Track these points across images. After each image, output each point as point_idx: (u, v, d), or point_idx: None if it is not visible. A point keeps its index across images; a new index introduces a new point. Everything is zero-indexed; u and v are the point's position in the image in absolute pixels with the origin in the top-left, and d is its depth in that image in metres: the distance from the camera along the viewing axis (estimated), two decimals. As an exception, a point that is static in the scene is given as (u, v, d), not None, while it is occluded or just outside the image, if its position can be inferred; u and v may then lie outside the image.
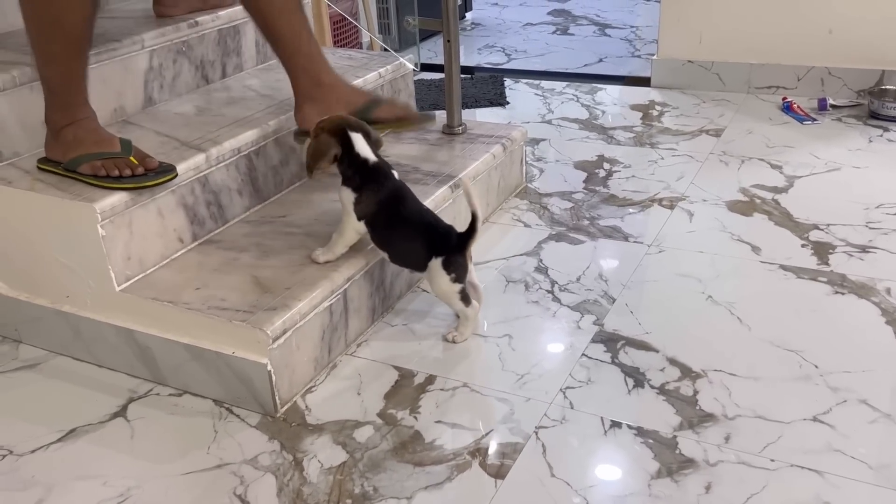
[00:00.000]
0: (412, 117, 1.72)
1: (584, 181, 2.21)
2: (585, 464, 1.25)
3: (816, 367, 1.43)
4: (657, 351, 1.50)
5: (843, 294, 1.64)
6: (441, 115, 2.16)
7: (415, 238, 1.50)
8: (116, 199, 1.43)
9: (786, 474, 1.20)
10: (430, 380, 1.46)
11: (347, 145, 1.46)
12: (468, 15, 4.19)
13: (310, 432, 1.35)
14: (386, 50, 2.94)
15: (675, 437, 1.29)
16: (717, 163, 2.28)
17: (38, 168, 1.53)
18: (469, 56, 3.49)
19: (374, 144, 1.50)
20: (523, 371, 1.46)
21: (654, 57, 2.93)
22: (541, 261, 1.82)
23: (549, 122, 2.66)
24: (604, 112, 2.72)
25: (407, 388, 1.44)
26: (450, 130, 2.12)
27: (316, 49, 1.69)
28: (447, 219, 1.56)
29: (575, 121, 2.66)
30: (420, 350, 1.54)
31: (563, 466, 1.24)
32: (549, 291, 1.70)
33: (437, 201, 1.74)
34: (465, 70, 3.19)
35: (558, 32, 3.83)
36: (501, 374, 1.46)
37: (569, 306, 1.65)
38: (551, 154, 2.40)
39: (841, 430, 1.28)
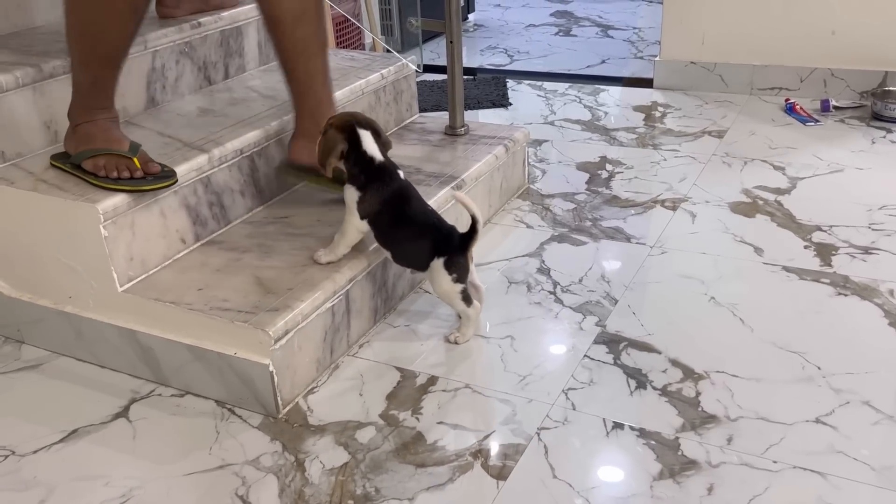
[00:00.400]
0: None
1: (586, 182, 2.21)
2: (587, 465, 1.25)
3: (819, 368, 1.42)
4: (659, 352, 1.49)
5: (845, 295, 1.63)
6: (443, 117, 2.16)
7: (418, 238, 1.50)
8: (119, 199, 1.43)
9: (788, 476, 1.20)
10: (432, 381, 1.46)
11: (355, 142, 1.46)
12: (471, 16, 4.19)
13: (312, 433, 1.35)
14: (388, 51, 2.94)
15: (677, 438, 1.29)
16: (720, 164, 2.27)
17: (51, 164, 1.55)
18: (471, 57, 3.49)
19: (384, 145, 1.50)
20: (525, 372, 1.46)
21: (657, 58, 2.93)
22: (543, 262, 1.82)
23: (551, 123, 2.66)
24: (606, 113, 2.72)
25: (409, 389, 1.44)
26: (452, 131, 2.12)
27: (327, 95, 1.68)
28: (450, 220, 1.56)
29: (577, 122, 2.65)
30: (422, 351, 1.54)
31: (565, 468, 1.24)
32: (551, 292, 1.70)
33: (440, 202, 1.74)
34: (468, 71, 3.19)
35: (561, 34, 3.83)
36: (503, 375, 1.46)
37: (571, 307, 1.65)
38: (553, 155, 2.40)
39: (843, 432, 1.28)
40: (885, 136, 2.39)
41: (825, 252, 1.79)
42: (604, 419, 1.34)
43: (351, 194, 1.47)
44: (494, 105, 2.85)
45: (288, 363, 1.39)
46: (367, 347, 1.56)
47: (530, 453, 1.27)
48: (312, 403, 1.42)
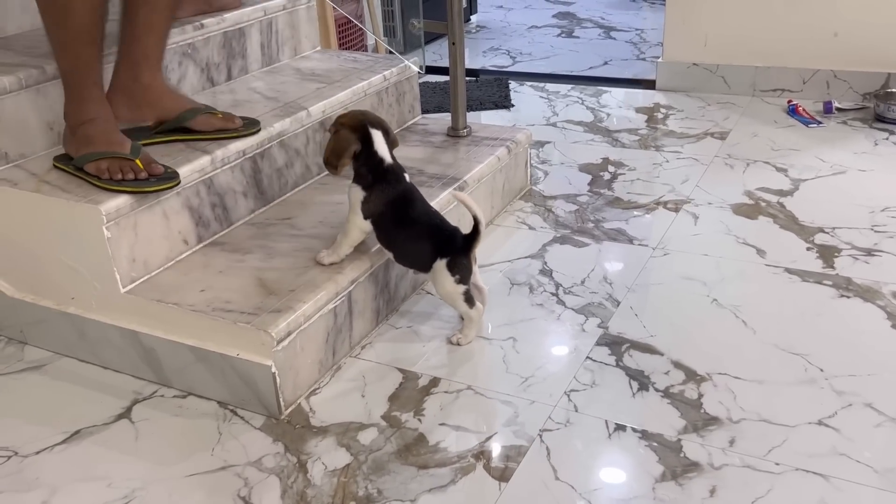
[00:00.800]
0: (233, 128, 1.67)
1: (588, 184, 2.21)
2: (590, 467, 1.25)
3: (822, 370, 1.42)
4: (662, 354, 1.49)
5: (848, 297, 1.63)
6: (445, 118, 2.16)
7: (421, 239, 1.50)
8: (121, 201, 1.44)
9: (791, 478, 1.20)
10: (435, 382, 1.46)
11: (367, 142, 1.45)
12: (473, 18, 4.19)
13: (314, 434, 1.35)
14: (391, 52, 2.94)
15: (679, 440, 1.29)
16: (722, 166, 2.27)
17: (54, 166, 1.55)
18: (474, 59, 3.49)
19: (392, 143, 1.50)
20: (527, 374, 1.46)
21: (659, 60, 2.93)
22: (545, 263, 1.82)
23: (553, 124, 2.66)
24: (608, 115, 2.72)
25: (411, 391, 1.44)
26: (455, 133, 2.12)
27: (157, 52, 1.64)
28: (452, 221, 1.56)
29: (580, 123, 2.65)
30: (424, 352, 1.54)
31: (567, 469, 1.24)
32: (553, 294, 1.70)
33: (442, 204, 1.74)
34: (470, 73, 3.19)
35: (563, 35, 3.83)
36: (506, 376, 1.46)
37: (573, 309, 1.65)
38: (556, 157, 2.40)
39: (846, 434, 1.28)
40: (887, 138, 2.39)
41: (828, 254, 1.79)
42: (606, 421, 1.34)
43: (356, 193, 1.47)
44: (497, 106, 2.86)
45: (290, 364, 1.40)
46: (370, 349, 1.56)
47: (532, 455, 1.27)
48: (315, 405, 1.42)
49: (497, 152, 2.01)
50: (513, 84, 3.08)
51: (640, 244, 1.88)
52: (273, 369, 1.35)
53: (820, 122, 2.53)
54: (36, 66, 1.61)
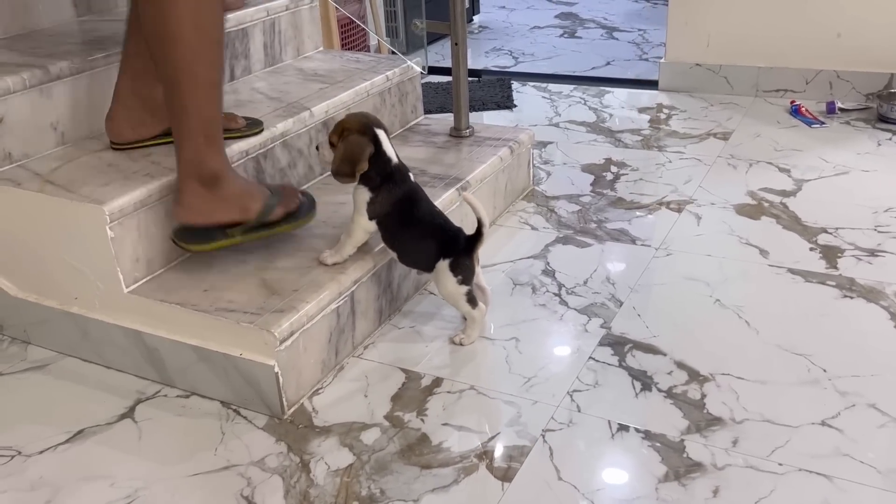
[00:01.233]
0: (236, 128, 1.63)
1: (591, 184, 2.21)
2: (593, 467, 1.25)
3: (825, 371, 1.42)
4: (665, 354, 1.49)
5: (851, 298, 1.63)
6: (448, 119, 2.17)
7: (424, 239, 1.50)
8: (125, 200, 1.44)
9: (794, 478, 1.20)
10: (437, 382, 1.46)
11: (377, 144, 1.45)
12: (476, 18, 4.19)
13: (317, 434, 1.35)
14: (393, 53, 2.94)
15: (682, 440, 1.28)
16: (725, 166, 2.27)
17: (197, 250, 1.47)
18: (476, 59, 3.49)
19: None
20: (530, 374, 1.46)
21: (662, 60, 2.93)
22: (548, 264, 1.82)
23: (556, 125, 2.66)
24: (611, 115, 2.72)
25: (414, 391, 1.44)
26: (457, 133, 2.12)
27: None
28: (455, 222, 1.56)
29: (582, 124, 2.65)
30: (427, 352, 1.54)
31: (570, 469, 1.24)
32: (556, 294, 1.70)
33: (445, 204, 1.74)
34: (473, 73, 3.19)
35: (566, 35, 3.83)
36: (508, 376, 1.46)
37: (576, 309, 1.65)
38: (558, 157, 2.40)
39: (849, 435, 1.27)
40: (890, 139, 2.39)
41: (831, 254, 1.79)
42: (609, 421, 1.34)
43: (363, 195, 1.47)
44: (499, 107, 2.86)
45: (293, 364, 1.40)
46: (373, 349, 1.56)
47: (535, 455, 1.27)
48: (317, 404, 1.42)
49: (500, 153, 2.01)
50: (515, 84, 3.08)
51: (642, 244, 1.88)
52: (276, 369, 1.36)
53: (823, 123, 2.52)
54: (40, 67, 1.61)
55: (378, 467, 1.27)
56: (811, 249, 1.81)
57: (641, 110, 2.75)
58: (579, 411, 1.36)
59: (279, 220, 1.50)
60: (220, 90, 1.41)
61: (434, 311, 1.66)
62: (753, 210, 2.00)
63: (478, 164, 1.95)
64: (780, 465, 1.22)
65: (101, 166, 1.56)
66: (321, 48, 2.31)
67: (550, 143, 2.50)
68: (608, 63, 3.35)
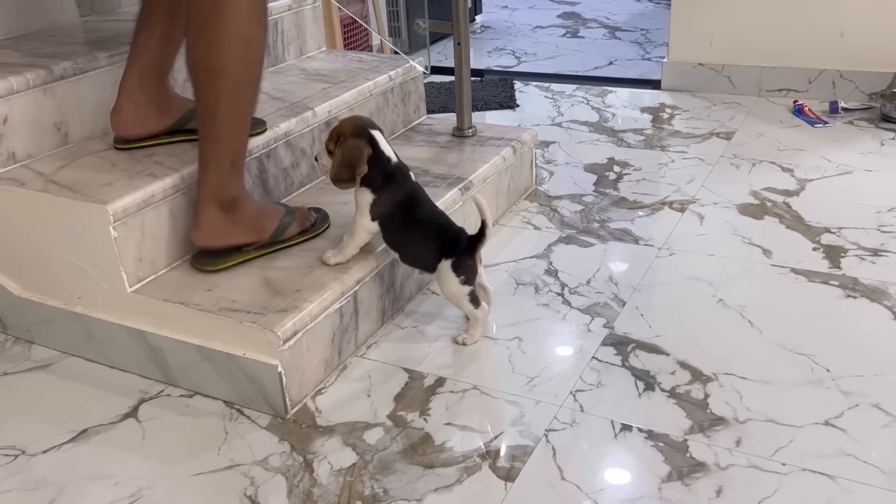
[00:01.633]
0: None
1: (594, 184, 2.21)
2: (596, 467, 1.25)
3: (828, 370, 1.42)
4: (668, 354, 1.49)
5: (854, 297, 1.63)
6: (451, 118, 2.17)
7: (426, 239, 1.50)
8: (129, 200, 1.44)
9: (797, 478, 1.20)
10: (440, 382, 1.46)
11: (374, 146, 1.45)
12: (478, 18, 4.19)
13: (320, 434, 1.35)
14: (396, 53, 2.94)
15: (685, 440, 1.28)
16: (728, 166, 2.27)
17: (214, 270, 1.51)
18: (479, 59, 3.49)
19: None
20: (533, 374, 1.46)
21: (665, 60, 2.93)
22: (551, 263, 1.82)
23: (558, 124, 2.66)
24: (614, 115, 2.72)
25: (417, 391, 1.44)
26: (460, 133, 2.12)
27: (171, 62, 1.60)
28: (458, 221, 1.56)
29: (585, 123, 2.65)
30: (430, 352, 1.54)
31: (573, 469, 1.24)
32: (559, 294, 1.70)
33: (448, 204, 1.74)
34: (475, 73, 3.19)
35: (568, 35, 3.83)
36: (511, 376, 1.46)
37: (579, 309, 1.65)
38: (561, 157, 2.40)
39: (853, 435, 1.27)
40: (893, 138, 2.38)
41: (834, 254, 1.78)
42: (612, 421, 1.34)
43: (365, 196, 1.47)
44: (502, 106, 2.86)
45: (296, 364, 1.40)
46: (375, 348, 1.56)
47: (538, 455, 1.27)
48: (320, 404, 1.42)
49: (502, 152, 2.01)
50: (518, 84, 3.08)
51: (645, 244, 1.88)
52: (279, 369, 1.36)
53: (826, 122, 2.52)
54: (43, 67, 1.61)
55: (381, 467, 1.27)
56: (814, 249, 1.81)
57: (644, 110, 2.75)
58: (582, 411, 1.36)
59: (293, 237, 1.58)
60: (250, 122, 1.48)
61: (437, 310, 1.66)
62: (756, 210, 2.00)
63: (480, 163, 1.95)
64: (784, 465, 1.22)
65: (105, 166, 1.56)
66: (324, 48, 2.31)
67: (553, 142, 2.50)
68: (611, 63, 3.35)
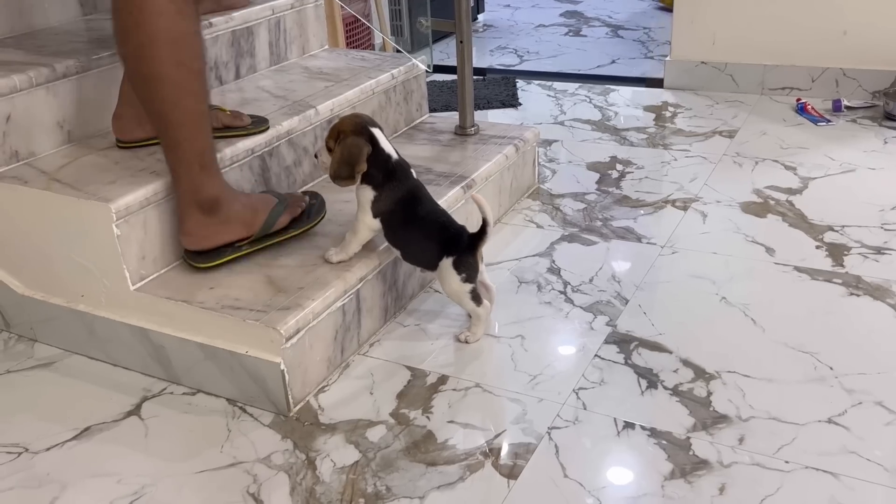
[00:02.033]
0: (242, 126, 1.63)
1: (596, 182, 2.20)
2: (598, 465, 1.25)
3: (831, 368, 1.42)
4: (670, 352, 1.49)
5: (857, 296, 1.63)
6: (453, 117, 2.17)
7: (428, 237, 1.50)
8: (131, 198, 1.44)
9: (800, 476, 1.20)
10: (443, 380, 1.46)
11: (373, 142, 1.45)
12: (480, 16, 4.19)
13: (322, 431, 1.35)
14: (398, 51, 2.94)
15: (688, 438, 1.28)
16: (731, 164, 2.27)
17: (209, 266, 1.49)
18: (481, 57, 3.49)
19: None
20: (536, 371, 1.46)
21: (667, 58, 2.93)
22: (553, 262, 1.82)
23: (561, 123, 2.66)
24: (616, 113, 2.72)
25: (419, 388, 1.44)
26: (462, 131, 2.12)
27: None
28: (460, 219, 1.56)
29: (587, 122, 2.65)
30: (432, 350, 1.54)
31: (575, 467, 1.24)
32: (561, 292, 1.70)
33: (450, 202, 1.74)
34: (478, 71, 3.19)
35: (570, 34, 3.83)
36: (514, 374, 1.46)
37: (581, 307, 1.65)
38: (564, 155, 2.40)
39: (856, 432, 1.27)
40: (897, 136, 2.38)
41: (837, 252, 1.78)
42: (615, 419, 1.34)
43: (366, 194, 1.47)
44: (504, 105, 2.85)
45: (299, 362, 1.40)
46: (378, 346, 1.56)
47: (541, 453, 1.27)
48: (323, 402, 1.42)
49: (505, 151, 2.01)
50: (520, 83, 3.08)
51: (648, 242, 1.88)
52: (282, 367, 1.36)
53: (829, 121, 2.52)
54: (46, 65, 1.61)
55: (384, 464, 1.27)
56: (817, 247, 1.81)
57: (647, 108, 2.75)
58: (585, 409, 1.36)
59: (286, 228, 1.55)
60: (208, 118, 1.43)
61: (439, 308, 1.66)
62: (759, 208, 2.00)
63: (483, 162, 1.95)
64: (787, 462, 1.22)
65: (108, 164, 1.56)
66: (326, 46, 2.31)
67: (556, 141, 2.50)
68: (613, 61, 3.35)
